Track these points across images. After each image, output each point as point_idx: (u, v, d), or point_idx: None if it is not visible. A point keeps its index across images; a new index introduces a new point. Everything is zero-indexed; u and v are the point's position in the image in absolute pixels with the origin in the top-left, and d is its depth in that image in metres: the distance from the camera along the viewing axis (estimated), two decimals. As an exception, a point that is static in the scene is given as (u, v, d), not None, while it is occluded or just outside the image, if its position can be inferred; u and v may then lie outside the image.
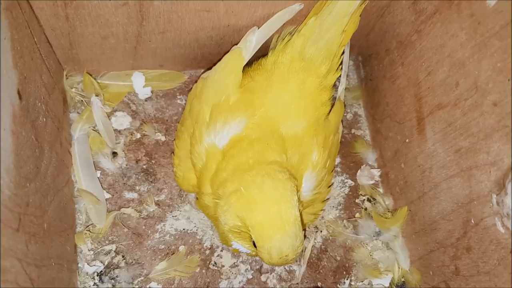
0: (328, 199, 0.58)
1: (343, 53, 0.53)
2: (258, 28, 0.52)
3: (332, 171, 0.54)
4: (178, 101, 0.62)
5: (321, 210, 0.54)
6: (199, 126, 0.49)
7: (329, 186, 0.54)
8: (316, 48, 0.50)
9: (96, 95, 0.58)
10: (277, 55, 0.51)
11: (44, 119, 0.47)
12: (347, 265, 0.58)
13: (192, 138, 0.50)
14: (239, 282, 0.56)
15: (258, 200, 0.43)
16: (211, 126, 0.48)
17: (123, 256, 0.55)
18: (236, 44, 0.53)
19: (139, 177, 0.58)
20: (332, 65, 0.51)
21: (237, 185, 0.44)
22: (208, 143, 0.48)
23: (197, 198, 0.53)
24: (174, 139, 0.56)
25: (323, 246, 0.59)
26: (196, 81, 0.54)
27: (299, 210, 0.44)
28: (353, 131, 0.65)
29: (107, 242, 0.55)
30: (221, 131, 0.48)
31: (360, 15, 0.51)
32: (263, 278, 0.57)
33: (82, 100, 0.59)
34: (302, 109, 0.49)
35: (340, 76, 0.54)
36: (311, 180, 0.49)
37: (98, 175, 0.57)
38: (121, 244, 0.55)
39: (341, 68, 0.53)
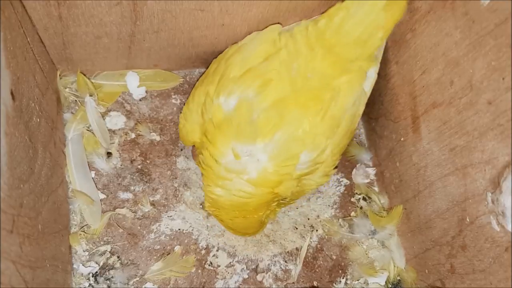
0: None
1: None
2: None
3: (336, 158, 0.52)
4: (173, 101, 0.62)
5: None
6: (227, 81, 0.49)
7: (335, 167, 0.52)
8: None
9: (90, 95, 0.58)
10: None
11: (38, 120, 0.46)
12: (342, 264, 0.58)
13: (219, 87, 0.49)
14: (235, 282, 0.56)
15: None
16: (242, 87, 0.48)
17: (118, 257, 0.55)
18: (232, 43, 0.52)
19: (134, 177, 0.58)
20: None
21: None
22: (240, 98, 0.48)
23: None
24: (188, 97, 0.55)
25: (318, 245, 0.59)
26: (191, 82, 0.54)
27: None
28: (348, 130, 0.65)
29: (102, 242, 0.55)
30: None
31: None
32: (259, 277, 0.57)
33: (76, 100, 0.59)
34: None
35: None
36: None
37: (93, 175, 0.57)
38: (116, 245, 0.55)
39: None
